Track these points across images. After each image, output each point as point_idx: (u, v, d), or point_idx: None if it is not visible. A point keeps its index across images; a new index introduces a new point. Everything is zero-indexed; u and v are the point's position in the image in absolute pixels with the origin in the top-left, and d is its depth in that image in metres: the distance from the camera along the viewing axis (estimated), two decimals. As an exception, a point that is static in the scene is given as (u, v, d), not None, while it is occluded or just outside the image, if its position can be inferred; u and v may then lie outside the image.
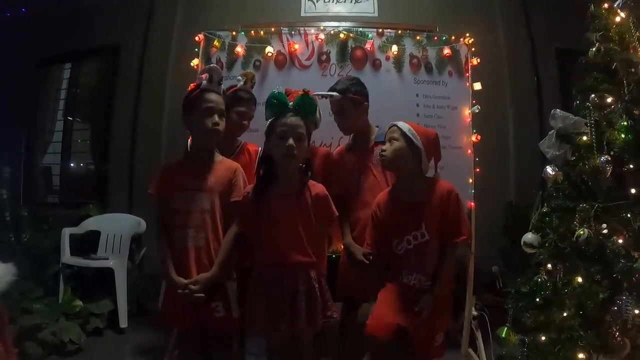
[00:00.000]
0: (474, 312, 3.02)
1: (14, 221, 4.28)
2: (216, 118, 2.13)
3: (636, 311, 1.66)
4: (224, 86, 2.28)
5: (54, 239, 3.98)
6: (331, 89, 2.63)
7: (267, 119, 2.07)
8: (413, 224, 2.16)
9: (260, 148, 2.40)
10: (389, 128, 2.28)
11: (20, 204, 5.00)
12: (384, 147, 2.24)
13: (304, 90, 2.07)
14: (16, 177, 5.24)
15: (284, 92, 2.07)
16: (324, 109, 2.70)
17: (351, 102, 2.57)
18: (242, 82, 2.61)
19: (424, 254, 2.16)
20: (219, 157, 2.24)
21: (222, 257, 2.08)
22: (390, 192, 2.30)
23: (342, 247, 2.62)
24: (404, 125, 2.20)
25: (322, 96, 2.66)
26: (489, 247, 3.74)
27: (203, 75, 2.16)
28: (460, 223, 2.16)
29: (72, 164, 5.41)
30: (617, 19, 1.99)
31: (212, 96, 2.14)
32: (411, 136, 2.16)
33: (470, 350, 3.05)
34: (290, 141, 1.96)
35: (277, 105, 2.03)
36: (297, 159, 2.02)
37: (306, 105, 2.05)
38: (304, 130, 2.01)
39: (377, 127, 2.67)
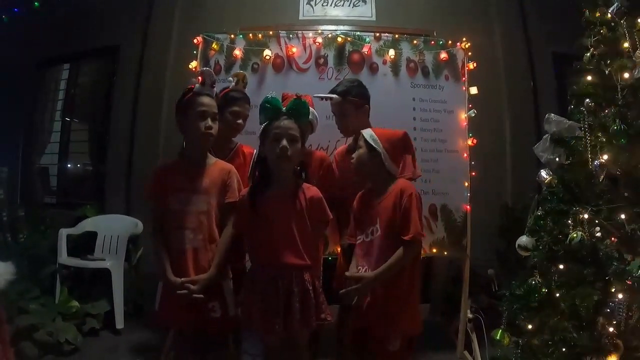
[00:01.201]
0: (470, 315, 3.04)
1: (11, 221, 4.29)
2: (209, 122, 2.14)
3: (628, 313, 1.68)
4: (218, 89, 2.29)
5: (51, 240, 4.00)
6: (332, 91, 2.64)
7: (261, 123, 2.09)
8: (371, 219, 2.22)
9: (255, 151, 2.42)
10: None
11: (18, 204, 5.01)
12: (353, 155, 2.31)
13: (297, 95, 2.10)
14: (14, 178, 5.24)
15: (278, 97, 2.10)
16: (321, 112, 2.72)
17: (351, 104, 2.58)
18: (233, 83, 2.63)
19: (373, 248, 2.17)
20: (212, 159, 2.26)
21: (219, 257, 2.10)
22: (364, 191, 2.36)
23: (339, 249, 2.63)
24: (366, 133, 2.27)
25: (323, 98, 2.67)
26: (485, 249, 3.76)
27: (197, 79, 2.18)
28: (409, 222, 2.12)
29: (69, 165, 5.41)
30: (611, 24, 2.02)
31: (205, 99, 2.16)
32: (372, 142, 2.22)
33: (466, 353, 3.06)
34: (284, 142, 1.98)
35: (270, 109, 2.05)
36: (291, 160, 2.04)
37: (299, 108, 2.07)
38: (297, 133, 2.03)
39: None
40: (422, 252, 2.96)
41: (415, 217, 2.14)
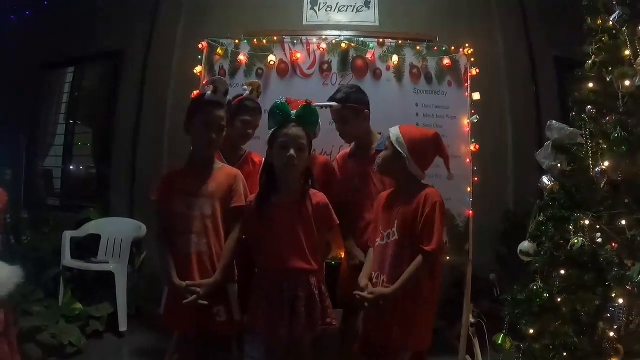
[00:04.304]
0: (472, 320, 3.05)
1: (14, 224, 4.30)
2: (213, 135, 2.15)
3: (629, 318, 1.70)
4: (230, 95, 2.30)
5: (54, 242, 4.01)
6: (331, 98, 2.65)
7: (269, 129, 2.10)
8: (388, 222, 2.15)
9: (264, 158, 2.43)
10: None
11: (21, 206, 5.02)
12: (380, 155, 2.24)
13: (306, 101, 2.11)
14: (17, 180, 5.25)
15: (286, 102, 2.10)
16: (324, 117, 2.73)
17: (351, 110, 2.59)
18: (248, 92, 2.65)
19: (388, 253, 2.11)
20: (219, 164, 2.27)
21: (224, 262, 2.10)
22: (389, 192, 2.30)
23: (343, 253, 2.64)
24: (393, 133, 2.18)
25: (323, 107, 2.69)
26: (486, 254, 3.77)
27: (208, 86, 2.18)
28: (432, 232, 2.01)
29: (73, 167, 5.42)
30: (613, 32, 2.04)
31: (213, 111, 2.15)
32: (397, 145, 2.14)
33: (468, 357, 3.07)
34: (291, 152, 1.99)
35: (279, 115, 2.06)
36: (298, 168, 2.05)
37: (308, 115, 2.09)
38: (305, 141, 2.05)
39: (380, 134, 2.65)
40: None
41: (440, 228, 2.04)
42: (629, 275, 1.68)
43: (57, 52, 5.29)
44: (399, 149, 2.13)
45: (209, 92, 2.16)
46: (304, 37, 3.28)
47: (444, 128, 3.18)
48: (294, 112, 2.07)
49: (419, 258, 2.01)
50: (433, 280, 2.12)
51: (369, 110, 2.66)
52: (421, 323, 2.10)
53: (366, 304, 2.03)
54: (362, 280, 2.11)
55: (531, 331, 2.01)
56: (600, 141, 1.92)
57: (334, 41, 3.25)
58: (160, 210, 2.21)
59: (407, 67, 3.22)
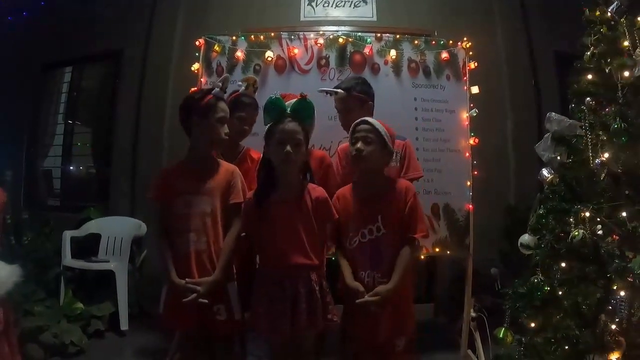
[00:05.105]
0: (473, 314, 3.05)
1: (15, 224, 4.30)
2: (226, 128, 2.18)
3: (631, 310, 1.69)
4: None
5: (55, 242, 4.03)
6: (336, 87, 2.65)
7: (265, 124, 2.08)
8: (367, 218, 2.13)
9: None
10: (360, 124, 2.18)
11: (21, 207, 5.03)
12: (359, 146, 2.12)
13: (301, 95, 2.08)
14: (17, 180, 5.26)
15: (281, 97, 2.09)
16: (322, 111, 2.72)
17: (356, 100, 2.57)
18: (243, 88, 2.63)
19: (378, 249, 2.11)
20: (216, 161, 2.26)
21: (223, 260, 2.09)
22: (352, 187, 2.26)
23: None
24: (380, 127, 2.15)
25: (327, 92, 2.68)
26: (488, 249, 3.76)
27: (217, 84, 2.19)
28: (417, 219, 2.13)
29: (72, 167, 5.43)
30: (612, 23, 2.03)
31: (224, 105, 2.19)
32: (387, 140, 2.15)
33: (469, 352, 3.07)
34: (288, 147, 1.97)
35: (274, 110, 2.04)
36: (296, 163, 2.04)
37: (304, 109, 2.06)
38: (302, 136, 2.03)
39: None
40: (424, 251, 3.01)
41: (423, 215, 2.21)
42: (630, 267, 1.67)
43: (56, 52, 5.29)
44: (389, 144, 2.17)
45: (217, 89, 2.16)
46: (301, 33, 3.26)
47: (442, 122, 3.19)
48: (288, 103, 2.06)
49: (408, 247, 2.11)
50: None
51: (373, 103, 2.64)
52: (411, 307, 2.23)
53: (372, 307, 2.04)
54: (355, 284, 2.08)
55: (532, 324, 2.00)
56: (600, 132, 1.91)
57: (331, 36, 3.23)
58: (159, 208, 2.19)
59: (405, 62, 3.21)
